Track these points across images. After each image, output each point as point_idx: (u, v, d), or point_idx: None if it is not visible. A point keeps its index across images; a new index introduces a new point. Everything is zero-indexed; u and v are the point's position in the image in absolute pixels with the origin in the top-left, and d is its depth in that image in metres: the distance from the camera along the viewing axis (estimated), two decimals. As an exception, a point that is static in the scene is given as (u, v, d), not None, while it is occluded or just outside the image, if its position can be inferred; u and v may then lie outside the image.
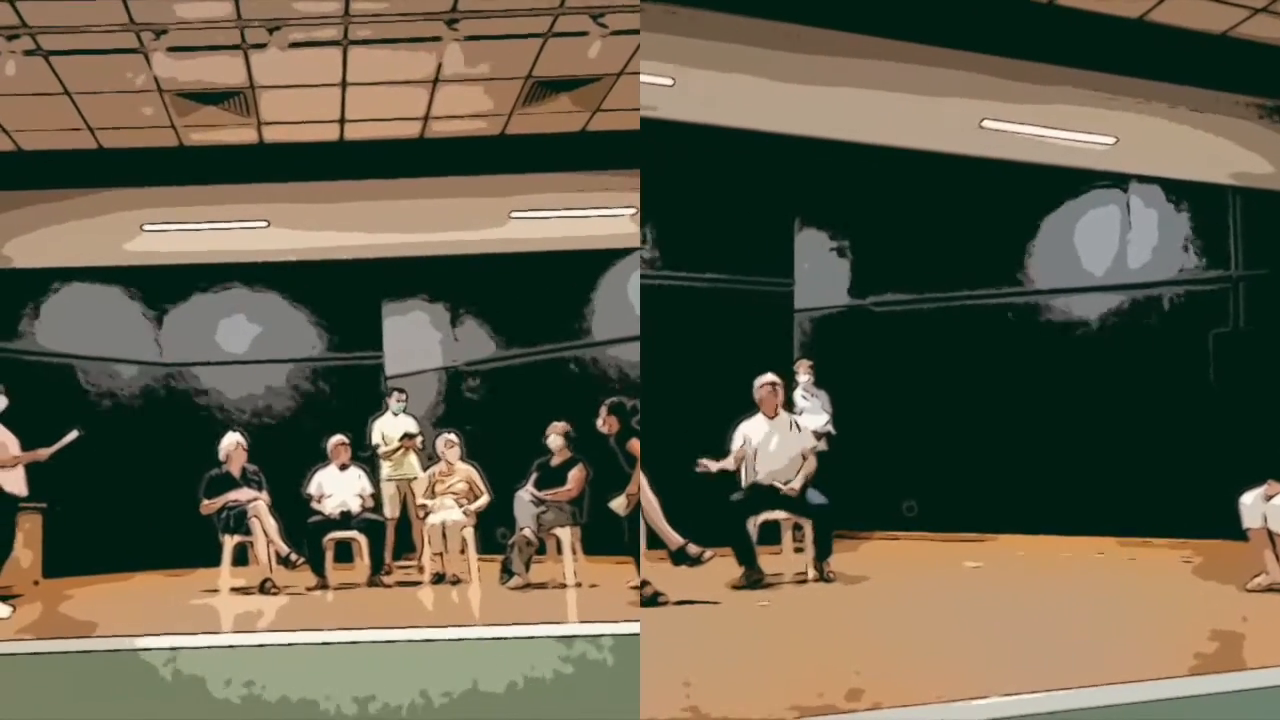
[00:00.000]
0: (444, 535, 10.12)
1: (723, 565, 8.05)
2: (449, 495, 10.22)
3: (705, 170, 10.58)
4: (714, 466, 8.45)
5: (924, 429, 12.18)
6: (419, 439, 11.17)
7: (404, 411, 11.41)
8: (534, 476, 9.75)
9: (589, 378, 12.30)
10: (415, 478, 10.98)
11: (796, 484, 8.43)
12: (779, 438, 8.57)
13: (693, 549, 7.77)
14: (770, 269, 11.95)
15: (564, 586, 9.39)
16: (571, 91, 10.04)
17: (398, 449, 11.06)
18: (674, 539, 7.79)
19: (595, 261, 11.85)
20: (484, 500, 10.28)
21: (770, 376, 8.72)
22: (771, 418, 8.62)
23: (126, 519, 11.85)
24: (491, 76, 9.74)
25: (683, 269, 10.93)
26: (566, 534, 9.55)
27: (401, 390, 11.72)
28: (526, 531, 9.49)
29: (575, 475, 9.64)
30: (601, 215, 10.67)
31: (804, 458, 8.56)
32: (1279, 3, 9.10)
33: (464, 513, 10.11)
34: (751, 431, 8.59)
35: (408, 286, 13.71)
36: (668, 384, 10.14)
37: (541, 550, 9.73)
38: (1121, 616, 7.18)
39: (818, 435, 9.83)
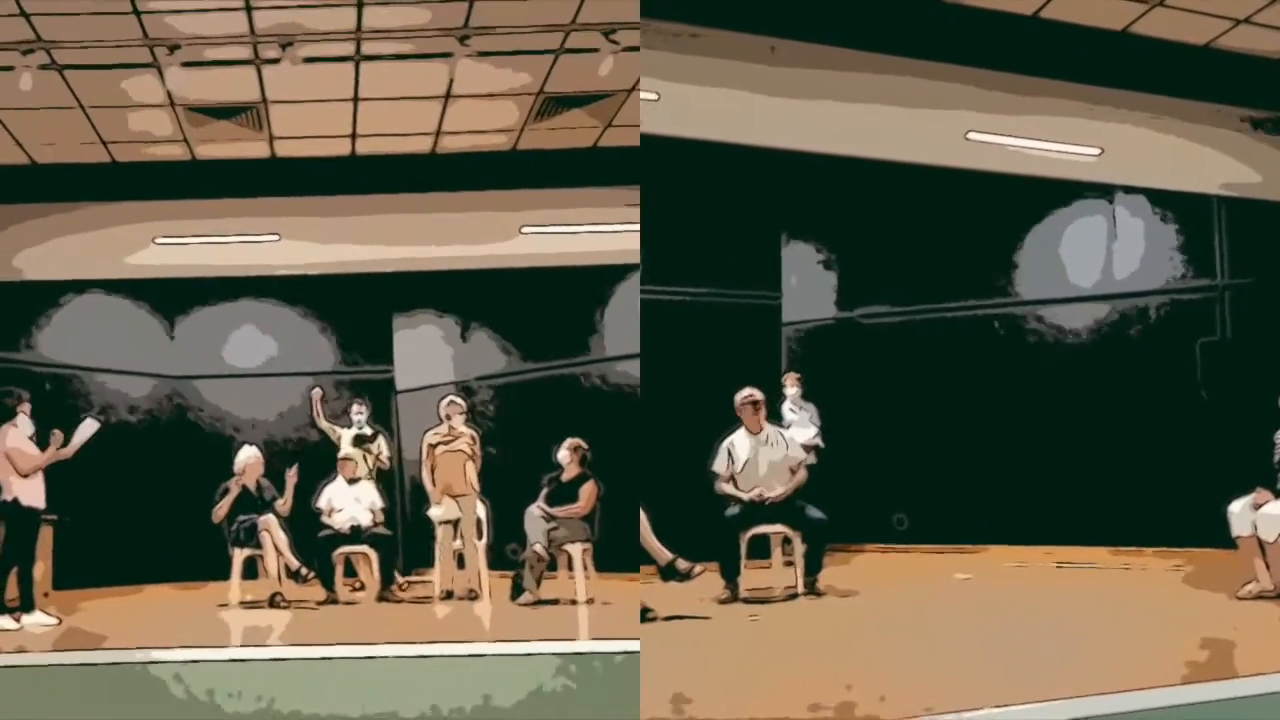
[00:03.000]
0: (455, 554, 10.12)
1: (713, 579, 8.06)
2: (454, 454, 10.12)
3: (692, 184, 10.54)
4: (727, 490, 8.42)
5: (913, 441, 12.16)
6: (375, 446, 11.10)
7: (366, 423, 11.29)
8: (545, 492, 9.72)
9: (600, 393, 12.29)
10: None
11: (778, 488, 8.34)
12: (764, 452, 8.48)
13: (682, 564, 7.76)
14: (758, 282, 11.93)
15: (575, 603, 9.36)
16: (583, 107, 10.05)
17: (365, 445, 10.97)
18: (663, 554, 7.78)
19: (606, 276, 11.85)
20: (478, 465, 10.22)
21: (750, 391, 8.61)
22: (755, 433, 8.53)
23: (136, 531, 11.87)
24: (503, 92, 9.75)
25: (669, 283, 10.88)
26: (578, 550, 9.51)
27: (362, 400, 11.56)
28: (538, 547, 9.46)
29: (586, 491, 9.60)
30: (612, 231, 10.65)
31: (792, 472, 8.48)
32: (1260, 14, 9.12)
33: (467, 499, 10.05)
34: (735, 447, 8.52)
35: (418, 300, 13.74)
36: (658, 398, 10.12)
37: (553, 566, 9.70)
38: (1112, 626, 7.16)
39: (806, 449, 9.83)
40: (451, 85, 9.44)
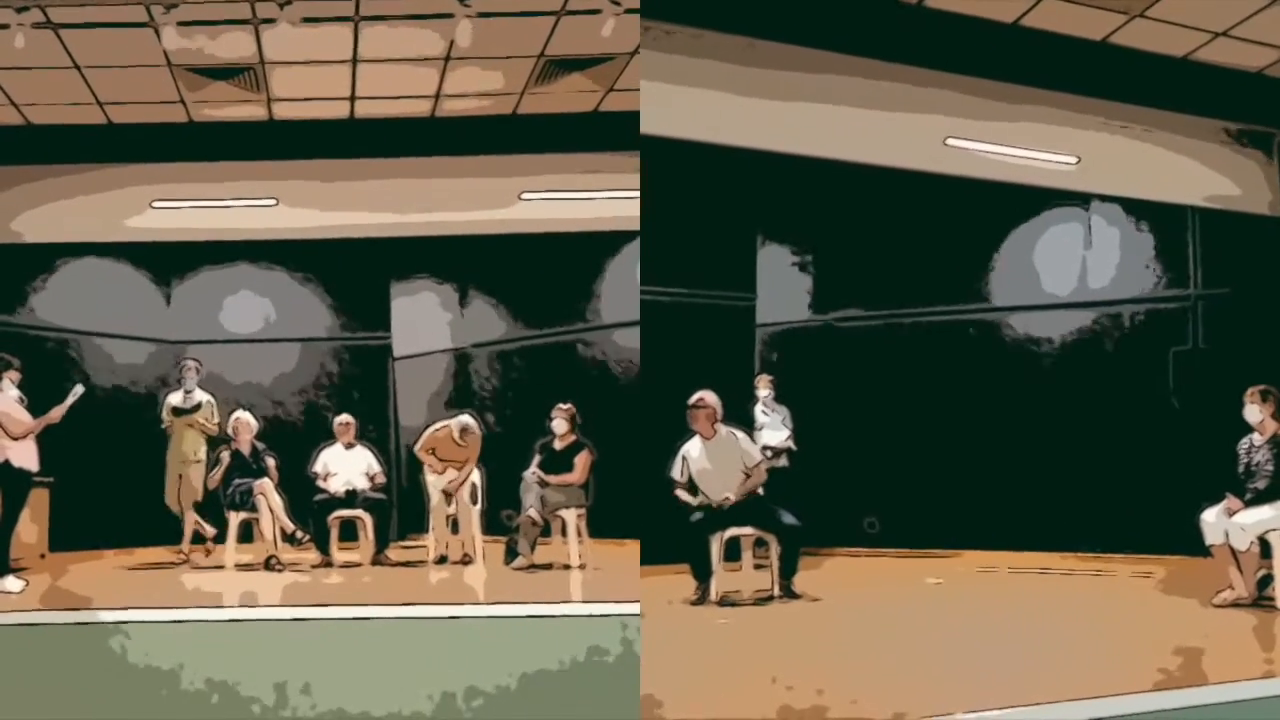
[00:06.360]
0: (448, 517, 10.12)
1: (686, 581, 8.11)
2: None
3: (667, 184, 10.43)
4: (683, 496, 8.40)
5: (886, 445, 12.09)
6: (200, 415, 10.84)
7: (198, 386, 11.05)
8: (538, 459, 9.72)
9: (596, 360, 12.27)
10: (197, 460, 10.71)
11: (732, 495, 8.23)
12: (716, 457, 8.33)
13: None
14: (732, 283, 11.86)
15: (569, 568, 9.38)
16: (584, 71, 9.98)
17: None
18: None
19: (606, 243, 11.79)
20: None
21: (698, 396, 8.40)
22: (708, 438, 8.36)
23: (132, 494, 11.84)
24: (503, 55, 9.68)
25: (643, 282, 10.79)
26: (571, 516, 9.53)
27: (193, 360, 11.27)
28: (532, 513, 9.47)
29: (581, 460, 9.62)
30: (612, 197, 10.60)
31: (746, 474, 8.30)
32: (1238, 28, 9.15)
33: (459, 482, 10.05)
34: (689, 453, 8.39)
35: (416, 266, 13.70)
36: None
37: (546, 532, 9.72)
38: (1085, 632, 7.14)
39: (777, 451, 9.74)
40: (451, 47, 9.38)
